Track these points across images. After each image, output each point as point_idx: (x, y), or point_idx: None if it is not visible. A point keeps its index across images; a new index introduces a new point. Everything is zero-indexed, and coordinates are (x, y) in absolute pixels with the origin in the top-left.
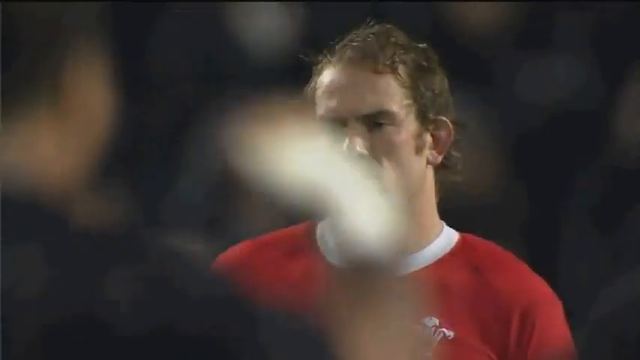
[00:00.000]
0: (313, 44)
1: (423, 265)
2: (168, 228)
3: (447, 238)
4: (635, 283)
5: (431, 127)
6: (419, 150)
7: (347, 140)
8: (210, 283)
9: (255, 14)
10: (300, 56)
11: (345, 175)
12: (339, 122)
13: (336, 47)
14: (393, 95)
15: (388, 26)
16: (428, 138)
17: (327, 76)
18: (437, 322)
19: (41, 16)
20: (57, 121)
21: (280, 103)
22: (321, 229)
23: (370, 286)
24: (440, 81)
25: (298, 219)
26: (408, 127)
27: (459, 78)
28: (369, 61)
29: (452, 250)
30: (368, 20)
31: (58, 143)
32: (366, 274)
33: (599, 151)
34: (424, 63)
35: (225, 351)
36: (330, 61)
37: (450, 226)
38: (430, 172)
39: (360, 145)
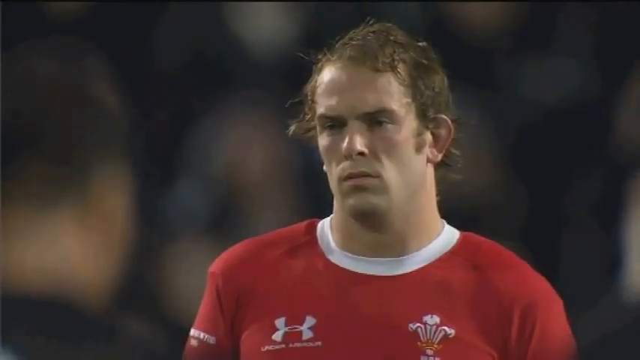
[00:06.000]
0: (313, 43)
1: (424, 264)
2: (168, 228)
3: (448, 236)
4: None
5: (431, 126)
6: (419, 148)
7: (347, 138)
8: None
9: (256, 13)
10: (301, 55)
11: None
12: (340, 120)
13: (336, 46)
14: (393, 93)
15: (388, 25)
16: (428, 136)
17: (327, 74)
18: (438, 320)
19: (68, 126)
20: (82, 226)
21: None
22: (321, 228)
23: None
24: (440, 79)
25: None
26: (408, 125)
27: (460, 77)
28: (369, 59)
29: (453, 248)
30: (368, 19)
31: (83, 246)
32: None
33: (599, 150)
34: (424, 61)
35: None
36: (330, 60)
37: (451, 225)
38: (430, 170)
39: (360, 143)
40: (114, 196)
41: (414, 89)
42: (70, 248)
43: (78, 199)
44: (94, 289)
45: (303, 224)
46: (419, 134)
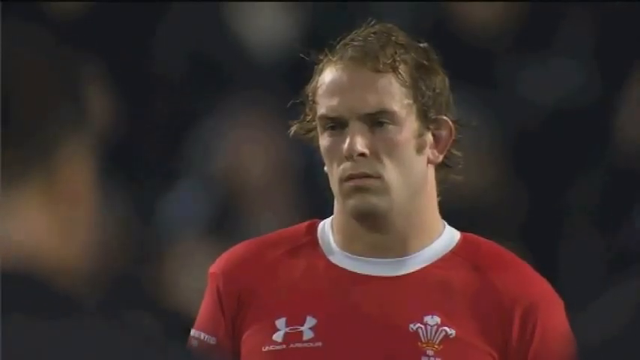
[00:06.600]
0: (314, 43)
1: (424, 264)
2: (168, 229)
3: (449, 237)
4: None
5: (432, 127)
6: (420, 149)
7: (348, 139)
8: None
9: (256, 14)
10: (302, 55)
11: None
12: (341, 121)
13: (338, 46)
14: (394, 94)
15: (389, 25)
16: (429, 137)
17: (328, 75)
18: (439, 320)
19: (35, 103)
20: (49, 204)
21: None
22: (322, 228)
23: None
24: (441, 80)
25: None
26: (409, 126)
27: (460, 77)
28: (370, 60)
29: (454, 249)
30: (369, 19)
31: (50, 224)
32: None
33: (599, 151)
34: (425, 62)
35: None
36: (331, 61)
37: (451, 226)
38: (431, 171)
39: (361, 144)
40: (79, 174)
41: (415, 90)
42: (36, 226)
43: (43, 177)
44: (60, 266)
45: (303, 225)
46: (420, 135)
